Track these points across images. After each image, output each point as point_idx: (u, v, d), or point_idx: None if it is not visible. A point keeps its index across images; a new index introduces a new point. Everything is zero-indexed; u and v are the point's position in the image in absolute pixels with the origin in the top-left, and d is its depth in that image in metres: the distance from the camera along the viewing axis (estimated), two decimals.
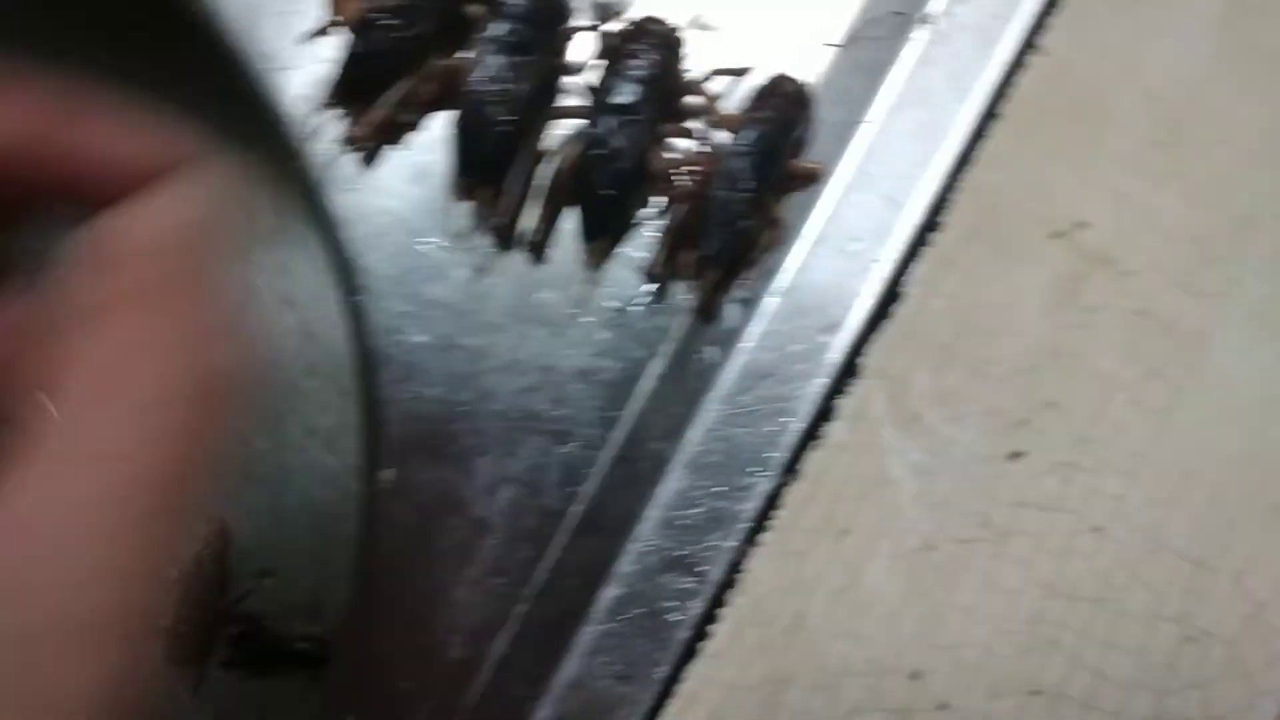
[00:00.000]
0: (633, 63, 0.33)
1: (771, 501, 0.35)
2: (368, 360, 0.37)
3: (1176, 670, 0.34)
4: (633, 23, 0.34)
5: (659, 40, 0.33)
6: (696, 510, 0.35)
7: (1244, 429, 0.35)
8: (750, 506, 0.35)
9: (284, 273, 0.41)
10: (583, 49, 0.36)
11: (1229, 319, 0.35)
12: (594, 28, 0.35)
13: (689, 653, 0.35)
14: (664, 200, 0.35)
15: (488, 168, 0.35)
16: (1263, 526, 0.35)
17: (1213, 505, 0.35)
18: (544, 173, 0.36)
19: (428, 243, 0.36)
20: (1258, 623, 0.34)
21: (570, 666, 0.36)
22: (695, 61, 0.35)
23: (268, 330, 0.39)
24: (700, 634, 0.35)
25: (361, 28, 0.34)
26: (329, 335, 0.37)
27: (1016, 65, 0.34)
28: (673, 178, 0.34)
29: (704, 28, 0.35)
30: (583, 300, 0.36)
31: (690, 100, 0.35)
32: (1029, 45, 0.34)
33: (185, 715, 0.47)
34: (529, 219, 0.36)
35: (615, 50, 0.33)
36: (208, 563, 0.57)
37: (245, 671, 0.59)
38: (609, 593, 0.36)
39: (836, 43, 0.35)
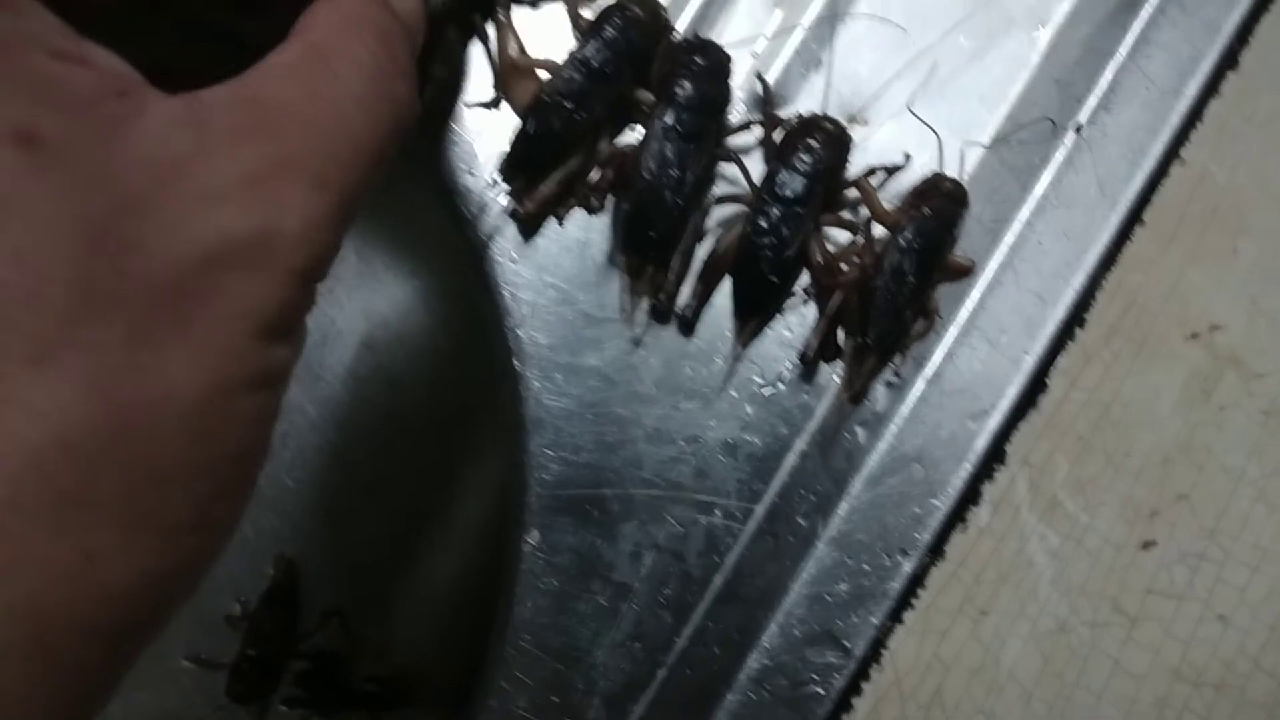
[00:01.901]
0: (804, 157, 0.35)
1: (915, 581, 0.36)
2: (520, 424, 0.38)
3: None
4: (804, 119, 0.35)
5: (829, 138, 0.35)
6: (842, 586, 0.36)
7: None
8: (895, 585, 0.36)
9: (438, 335, 0.42)
10: (742, 138, 0.37)
11: None
12: (760, 122, 0.36)
13: None
14: (816, 286, 0.37)
15: (654, 247, 0.36)
16: None
17: None
18: (701, 251, 0.37)
19: (583, 313, 0.38)
20: None
21: None
22: (852, 156, 0.37)
23: (425, 390, 0.40)
24: (842, 706, 0.36)
25: (535, 109, 0.36)
26: (483, 401, 0.38)
27: (1160, 174, 0.36)
28: (835, 267, 0.35)
29: (863, 123, 0.37)
30: (730, 375, 0.37)
31: (850, 194, 0.36)
32: (1172, 156, 0.36)
33: None
34: (683, 294, 0.38)
35: (788, 145, 0.35)
36: (275, 599, 0.57)
37: (308, 710, 0.59)
38: (752, 662, 0.37)
39: (985, 143, 0.37)
